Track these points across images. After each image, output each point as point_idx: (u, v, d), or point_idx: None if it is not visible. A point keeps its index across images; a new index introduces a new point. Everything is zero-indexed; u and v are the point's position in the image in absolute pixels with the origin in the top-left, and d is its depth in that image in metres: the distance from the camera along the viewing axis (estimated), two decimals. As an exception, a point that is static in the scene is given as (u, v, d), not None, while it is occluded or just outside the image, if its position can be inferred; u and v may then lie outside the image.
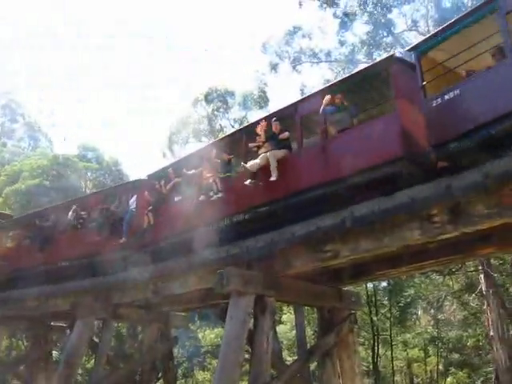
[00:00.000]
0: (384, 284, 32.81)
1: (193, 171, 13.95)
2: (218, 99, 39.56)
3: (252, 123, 13.65)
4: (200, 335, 38.90)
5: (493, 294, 21.76)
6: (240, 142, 13.28)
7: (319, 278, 13.41)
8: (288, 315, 36.34)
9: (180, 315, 19.54)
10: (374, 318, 32.31)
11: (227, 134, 16.02)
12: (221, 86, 39.65)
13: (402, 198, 9.52)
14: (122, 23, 77.79)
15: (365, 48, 28.86)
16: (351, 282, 14.74)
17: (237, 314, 11.58)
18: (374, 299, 32.72)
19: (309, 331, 32.39)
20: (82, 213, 18.03)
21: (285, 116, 12.41)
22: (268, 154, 11.90)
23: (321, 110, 11.26)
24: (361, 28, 34.33)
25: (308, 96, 12.93)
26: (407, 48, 10.81)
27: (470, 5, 23.98)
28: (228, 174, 13.20)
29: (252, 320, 12.06)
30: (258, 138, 12.39)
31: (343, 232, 10.47)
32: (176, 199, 14.30)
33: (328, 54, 31.14)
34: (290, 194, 11.36)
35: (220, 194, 12.72)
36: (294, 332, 31.82)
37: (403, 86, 10.41)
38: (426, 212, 9.37)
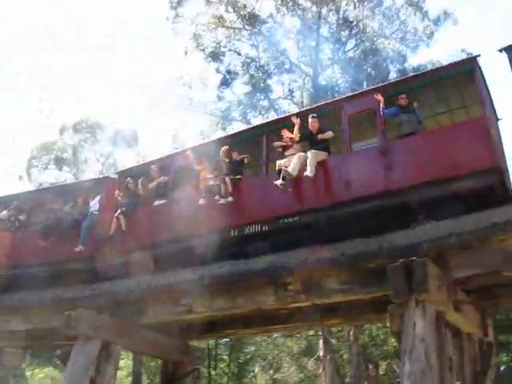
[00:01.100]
0: (226, 339, 32.99)
1: (189, 169, 12.33)
2: (87, 130, 38.84)
3: (277, 119, 12.17)
4: (28, 373, 36.64)
5: (329, 359, 22.74)
6: (259, 140, 11.80)
7: (168, 329, 13.31)
8: (125, 360, 35.38)
9: (13, 351, 18.12)
10: (212, 372, 32.23)
11: (241, 129, 14.48)
12: (92, 118, 39.06)
13: (260, 263, 9.75)
14: (122, 23, 75.62)
15: (241, 107, 29.82)
16: (200, 337, 14.77)
17: (80, 359, 11.11)
18: (214, 353, 32.70)
19: (145, 379, 31.79)
20: (21, 213, 15.07)
21: (326, 114, 11.12)
22: (309, 153, 10.42)
23: (380, 109, 10.15)
24: (240, 87, 35.45)
25: (361, 92, 11.81)
26: (500, 48, 9.60)
27: (343, 86, 25.81)
28: (239, 177, 11.75)
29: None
30: (285, 136, 11.07)
31: (200, 288, 10.43)
32: (158, 202, 12.59)
33: (205, 106, 31.71)
34: (334, 204, 10.02)
35: (230, 198, 11.23)
36: (130, 379, 31.17)
37: (487, 91, 9.73)
38: (282, 280, 9.66)
